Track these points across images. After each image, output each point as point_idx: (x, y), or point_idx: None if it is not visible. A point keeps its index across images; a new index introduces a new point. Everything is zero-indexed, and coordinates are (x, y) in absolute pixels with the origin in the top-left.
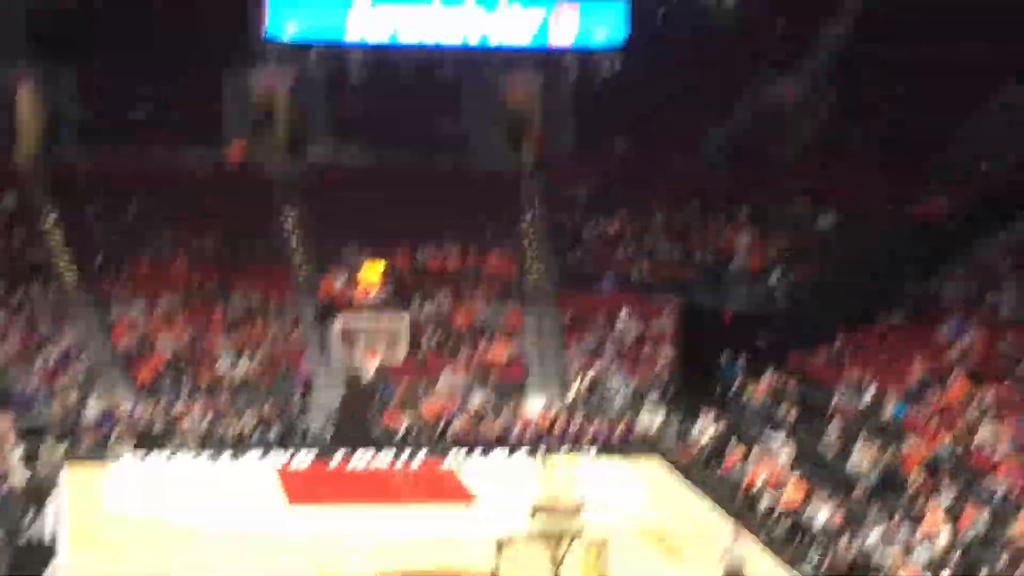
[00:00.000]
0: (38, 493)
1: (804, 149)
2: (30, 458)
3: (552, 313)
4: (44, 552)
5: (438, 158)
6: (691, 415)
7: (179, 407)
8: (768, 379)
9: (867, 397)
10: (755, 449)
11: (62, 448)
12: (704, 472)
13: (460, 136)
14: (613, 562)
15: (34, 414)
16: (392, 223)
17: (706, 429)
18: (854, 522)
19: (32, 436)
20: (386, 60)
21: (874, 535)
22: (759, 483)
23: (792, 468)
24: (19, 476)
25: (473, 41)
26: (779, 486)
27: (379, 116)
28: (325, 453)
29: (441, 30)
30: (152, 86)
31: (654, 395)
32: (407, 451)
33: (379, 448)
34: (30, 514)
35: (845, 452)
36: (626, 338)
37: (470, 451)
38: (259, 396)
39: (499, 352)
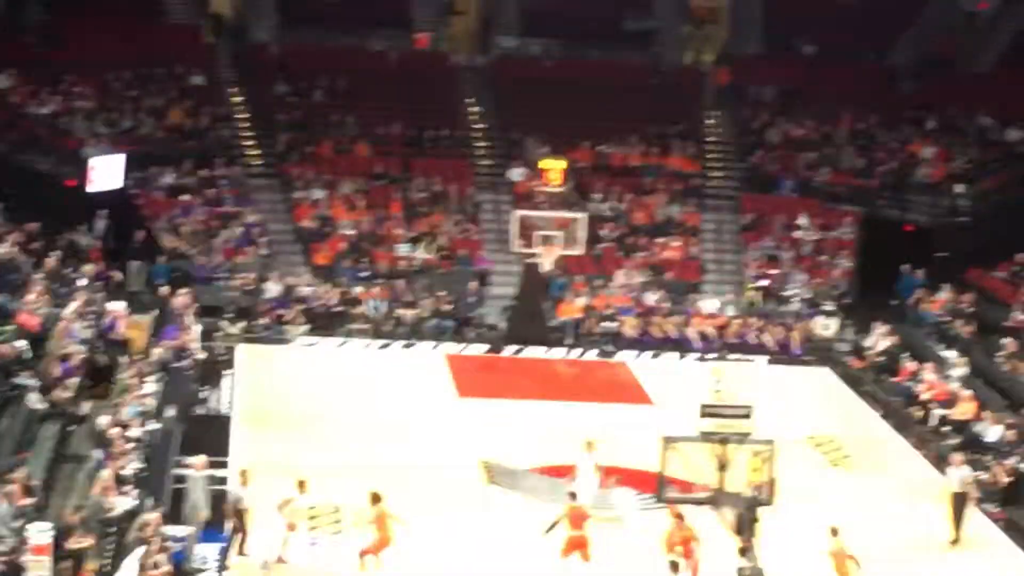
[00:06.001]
0: (213, 370)
1: (996, 60)
2: (207, 335)
3: (731, 214)
4: (222, 422)
5: (624, 54)
6: (866, 326)
7: (356, 291)
8: (945, 294)
9: None
10: (928, 364)
11: (239, 327)
12: (876, 384)
13: (647, 32)
14: (781, 466)
15: (213, 291)
16: (576, 118)
17: (880, 341)
18: None
19: (210, 314)
20: None
21: None
22: (930, 397)
23: (965, 385)
24: (198, 353)
25: None
26: (951, 402)
27: (567, 10)
28: (498, 346)
29: None
30: None
31: (830, 304)
32: (579, 349)
33: (551, 344)
34: (205, 389)
35: (1019, 371)
36: (804, 244)
37: (642, 351)
38: (435, 285)
39: (676, 251)
